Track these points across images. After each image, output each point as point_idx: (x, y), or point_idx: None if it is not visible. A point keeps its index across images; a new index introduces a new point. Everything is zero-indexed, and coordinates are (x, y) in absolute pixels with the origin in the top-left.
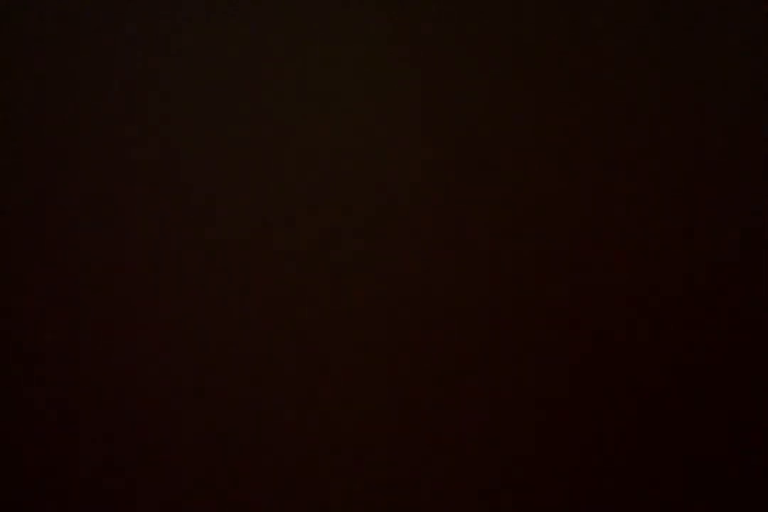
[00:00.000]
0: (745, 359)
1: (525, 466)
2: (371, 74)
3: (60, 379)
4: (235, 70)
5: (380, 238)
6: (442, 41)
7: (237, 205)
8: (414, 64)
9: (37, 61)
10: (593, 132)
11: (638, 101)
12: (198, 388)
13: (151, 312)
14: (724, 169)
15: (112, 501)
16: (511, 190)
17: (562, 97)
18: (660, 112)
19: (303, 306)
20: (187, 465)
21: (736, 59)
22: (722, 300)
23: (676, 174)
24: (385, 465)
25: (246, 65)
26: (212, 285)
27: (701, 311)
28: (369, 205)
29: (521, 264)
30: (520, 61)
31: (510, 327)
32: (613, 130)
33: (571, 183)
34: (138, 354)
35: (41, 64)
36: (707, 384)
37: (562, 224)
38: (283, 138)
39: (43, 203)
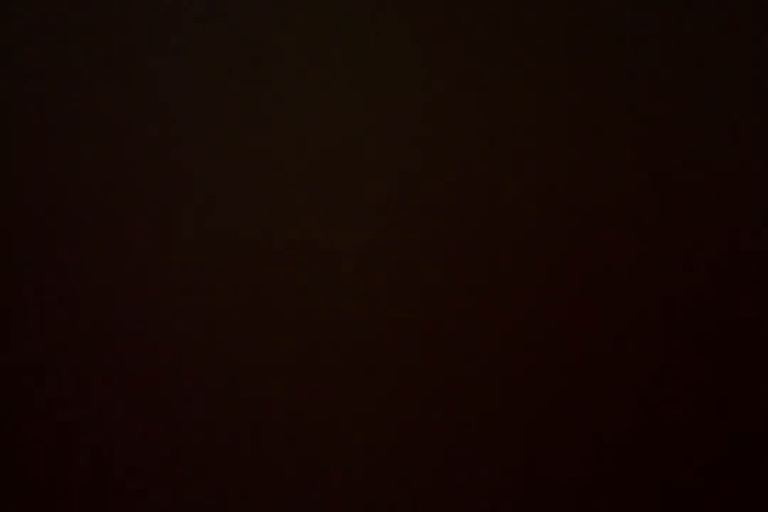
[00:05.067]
0: (746, 360)
1: (525, 468)
2: (372, 73)
3: (61, 380)
4: (237, 70)
5: (380, 237)
6: (443, 41)
7: (237, 204)
8: (416, 63)
9: (38, 61)
10: (594, 131)
11: (639, 100)
12: (197, 389)
13: (152, 313)
14: (726, 168)
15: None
16: (513, 188)
17: (563, 97)
18: (661, 111)
19: (304, 305)
20: (186, 466)
21: (737, 58)
22: (723, 299)
23: (678, 174)
24: (385, 465)
25: (248, 63)
26: (213, 286)
27: (702, 311)
28: (370, 204)
29: (521, 262)
30: (521, 58)
31: (510, 326)
32: (614, 128)
33: (572, 183)
34: (138, 354)
35: (42, 63)
36: (707, 385)
37: (562, 223)
38: (284, 138)
39: (43, 203)
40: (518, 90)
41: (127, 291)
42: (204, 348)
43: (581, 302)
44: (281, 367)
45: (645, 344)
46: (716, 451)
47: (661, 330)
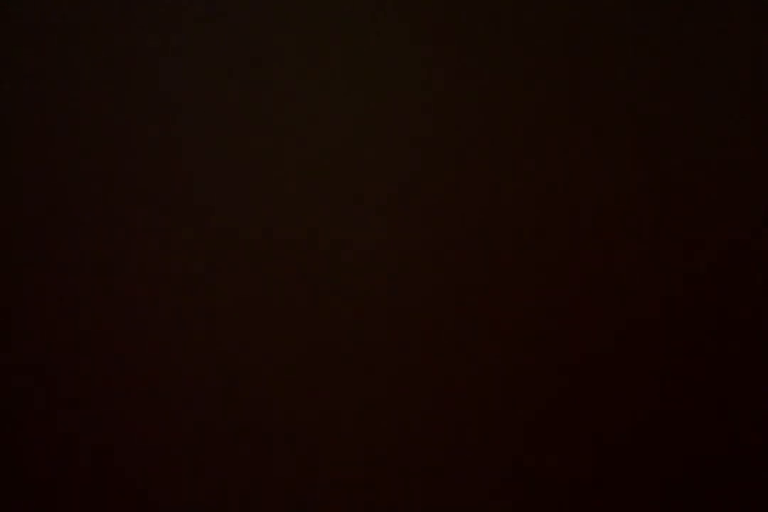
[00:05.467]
0: (746, 360)
1: (525, 468)
2: (372, 73)
3: (61, 380)
4: (237, 69)
5: (380, 237)
6: (443, 41)
7: (237, 204)
8: (416, 63)
9: (38, 61)
10: (594, 131)
11: (639, 100)
12: (197, 389)
13: (152, 313)
14: (726, 168)
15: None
16: (513, 188)
17: (563, 97)
18: (661, 111)
19: (304, 304)
20: (186, 466)
21: (737, 58)
22: (723, 299)
23: (678, 174)
24: (385, 465)
25: (248, 63)
26: (213, 286)
27: (702, 311)
28: (370, 204)
29: (521, 262)
30: (521, 58)
31: (510, 325)
32: (614, 128)
33: (572, 183)
34: (138, 354)
35: (42, 63)
36: (707, 385)
37: (562, 223)
38: (284, 138)
39: (43, 203)
40: (518, 90)
41: (127, 291)
42: (204, 348)
43: (581, 302)
44: (281, 367)
45: (645, 344)
46: (716, 451)
47: (661, 331)
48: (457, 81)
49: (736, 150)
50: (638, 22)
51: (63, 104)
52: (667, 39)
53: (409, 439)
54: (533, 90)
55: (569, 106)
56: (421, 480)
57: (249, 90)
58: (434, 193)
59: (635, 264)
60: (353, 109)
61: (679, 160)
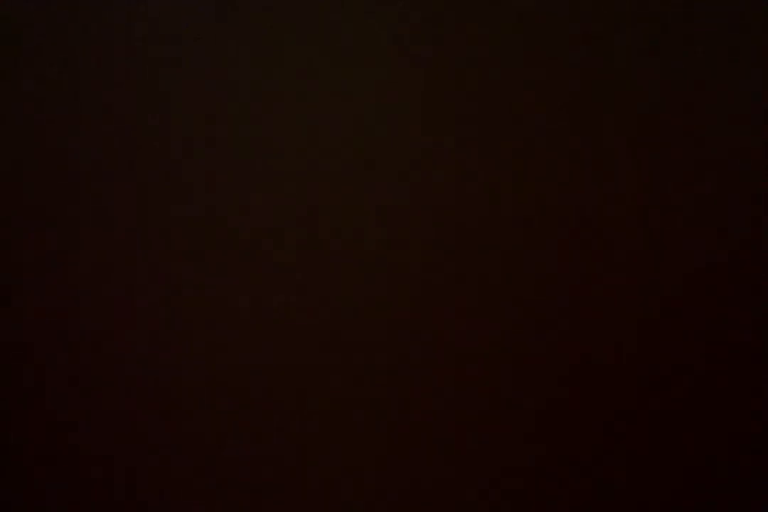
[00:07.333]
0: (746, 360)
1: (526, 470)
2: (372, 70)
3: (59, 381)
4: (237, 67)
5: (379, 237)
6: (445, 38)
7: (237, 204)
8: (416, 61)
9: (39, 57)
10: (595, 132)
11: (641, 100)
12: (194, 389)
13: (152, 312)
14: (726, 167)
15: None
16: (513, 188)
17: (564, 95)
18: (661, 111)
19: (303, 305)
20: (181, 464)
21: (738, 58)
22: (722, 300)
23: (677, 174)
24: (383, 466)
25: (248, 62)
26: (212, 284)
27: (702, 311)
28: (368, 204)
29: (522, 262)
30: (521, 58)
31: (510, 327)
32: (615, 128)
33: (571, 183)
34: (135, 354)
35: (43, 60)
36: (706, 385)
37: (562, 223)
38: (283, 137)
39: (43, 201)
40: (519, 89)
41: (127, 290)
42: (203, 348)
43: (581, 302)
44: (280, 367)
45: (645, 345)
46: (716, 452)
47: (660, 331)
48: (457, 81)
49: (735, 149)
50: (637, 22)
51: (59, 100)
52: (668, 38)
53: (409, 440)
54: (533, 90)
55: (569, 106)
56: (421, 481)
57: (249, 89)
58: (434, 192)
59: (636, 265)
60: (353, 108)
61: (679, 160)
